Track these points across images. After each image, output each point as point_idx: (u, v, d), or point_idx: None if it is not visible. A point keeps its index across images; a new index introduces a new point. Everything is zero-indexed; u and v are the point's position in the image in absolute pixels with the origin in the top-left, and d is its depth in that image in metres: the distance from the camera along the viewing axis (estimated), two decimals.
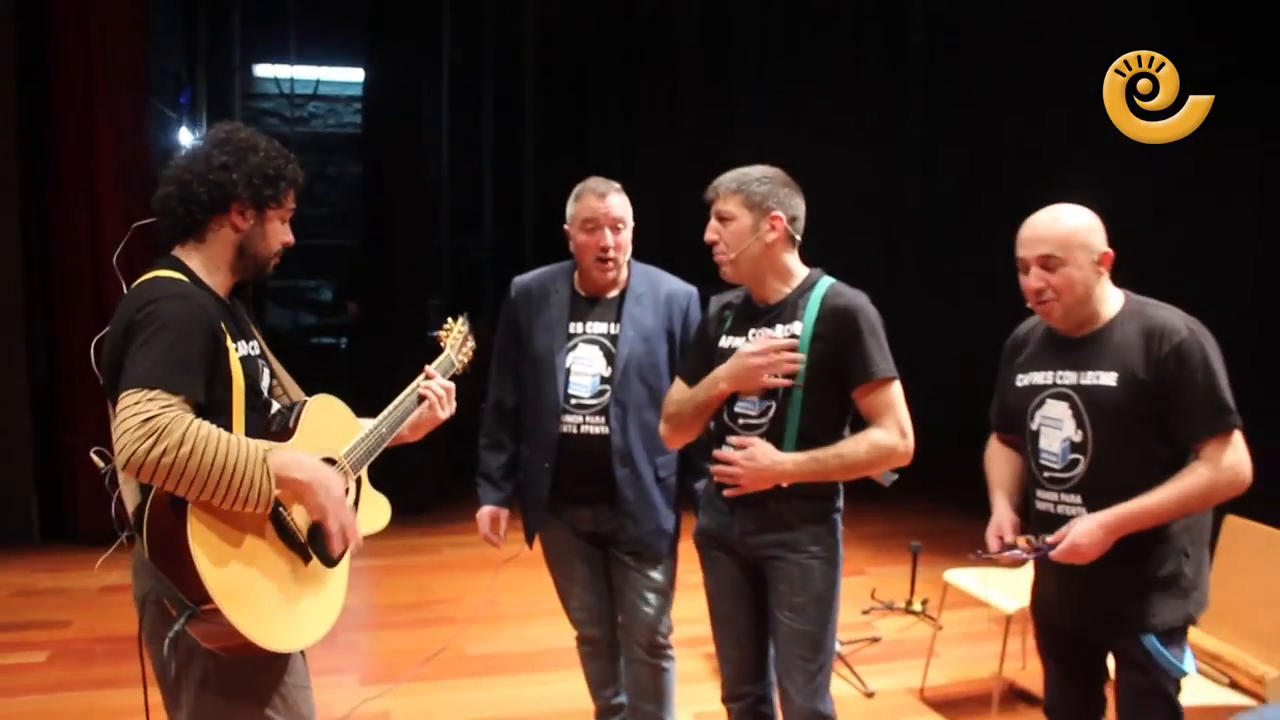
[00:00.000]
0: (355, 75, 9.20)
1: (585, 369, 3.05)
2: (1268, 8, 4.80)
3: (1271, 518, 3.31)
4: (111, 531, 2.37)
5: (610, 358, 3.02)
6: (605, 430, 3.00)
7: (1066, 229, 2.43)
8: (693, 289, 3.16)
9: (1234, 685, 3.13)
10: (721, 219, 2.63)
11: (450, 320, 2.77)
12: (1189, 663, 2.46)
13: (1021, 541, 2.49)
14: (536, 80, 9.31)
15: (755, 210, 2.61)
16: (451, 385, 2.53)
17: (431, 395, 2.46)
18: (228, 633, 1.89)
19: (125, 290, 2.08)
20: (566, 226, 3.06)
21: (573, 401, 3.04)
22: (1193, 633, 3.22)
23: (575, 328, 3.09)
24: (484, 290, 10.33)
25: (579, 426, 3.03)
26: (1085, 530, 2.34)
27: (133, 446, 1.76)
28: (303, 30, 9.01)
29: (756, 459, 2.56)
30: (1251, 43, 4.90)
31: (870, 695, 4.13)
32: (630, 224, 3.04)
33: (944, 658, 4.40)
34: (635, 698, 3.26)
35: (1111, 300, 2.49)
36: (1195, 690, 3.12)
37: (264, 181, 2.13)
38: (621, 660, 3.29)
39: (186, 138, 8.89)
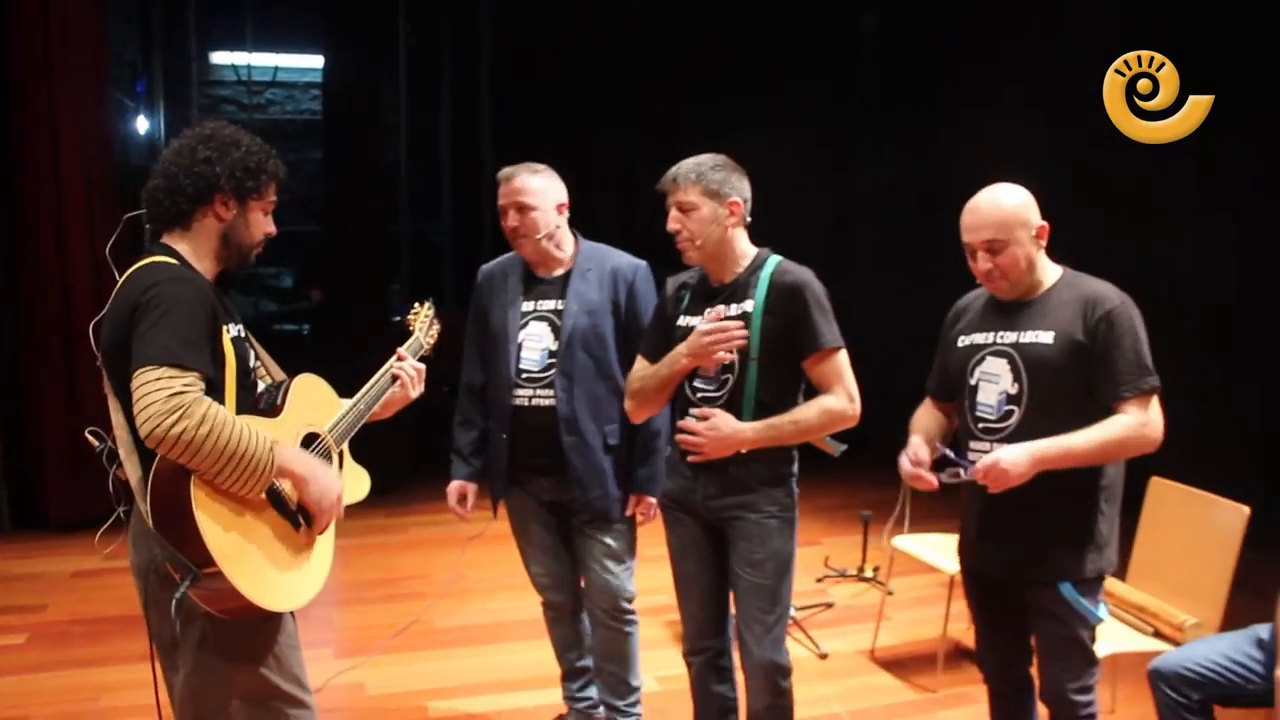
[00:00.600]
0: (313, 62, 9.22)
1: (535, 344, 3.20)
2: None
3: (1189, 479, 3.53)
4: (82, 517, 2.49)
5: (557, 332, 3.18)
6: (553, 401, 3.15)
7: (1005, 211, 2.60)
8: (640, 263, 3.29)
9: (1158, 634, 3.33)
10: (683, 209, 2.78)
11: (417, 305, 2.92)
12: (1103, 611, 2.66)
13: (949, 453, 2.65)
14: (492, 65, 9.39)
15: (714, 198, 2.77)
16: (422, 367, 2.66)
17: (404, 375, 2.59)
18: (228, 593, 2.02)
19: (117, 277, 2.20)
20: None
21: (524, 375, 3.20)
22: (1119, 586, 3.48)
23: (527, 305, 3.25)
24: (443, 274, 10.43)
25: (530, 399, 3.19)
26: (1013, 453, 2.48)
27: (157, 420, 1.89)
28: (259, 17, 9.04)
29: (719, 428, 2.72)
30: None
31: (824, 657, 4.33)
32: (544, 204, 3.15)
33: (894, 621, 4.62)
34: (600, 659, 3.42)
35: (1049, 270, 2.68)
36: (1122, 639, 3.35)
37: (246, 174, 2.26)
38: (586, 624, 3.46)
39: (144, 126, 8.90)
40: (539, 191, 3.15)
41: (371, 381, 2.56)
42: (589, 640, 3.48)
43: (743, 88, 7.69)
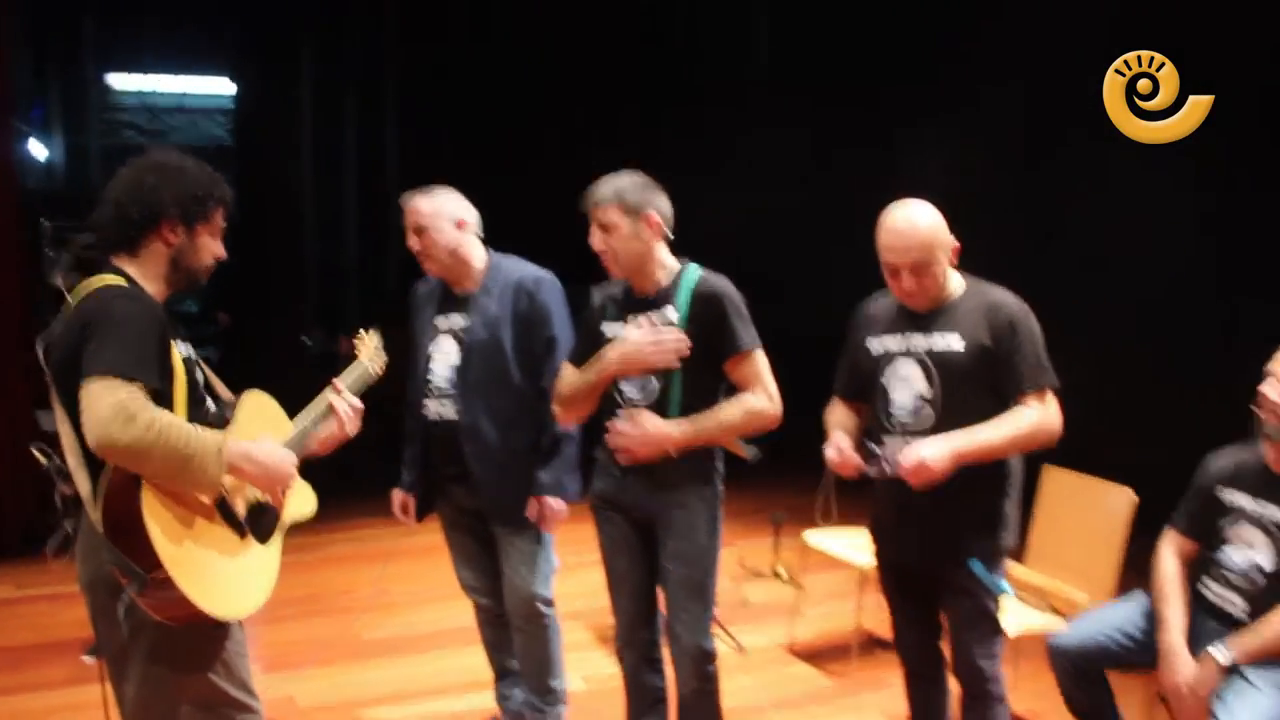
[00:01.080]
0: (217, 87, 9.18)
1: (444, 359, 3.30)
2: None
3: (1081, 467, 3.79)
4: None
5: (463, 348, 3.28)
6: (456, 415, 3.26)
7: (927, 234, 2.76)
8: (544, 274, 3.36)
9: (1055, 611, 3.57)
10: (604, 228, 2.90)
11: (363, 332, 2.98)
12: (1006, 584, 2.87)
13: (875, 448, 2.81)
14: (398, 88, 9.45)
15: (632, 215, 2.90)
16: (359, 405, 2.64)
17: (340, 411, 2.55)
18: (176, 601, 2.07)
19: (68, 298, 2.23)
20: None
21: (433, 389, 3.30)
22: (1018, 569, 3.70)
23: (440, 322, 3.35)
24: (349, 298, 10.41)
25: (438, 413, 3.30)
26: (934, 449, 2.63)
27: (105, 427, 1.94)
28: (161, 41, 8.94)
29: (646, 429, 2.86)
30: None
31: (743, 651, 4.50)
32: (440, 222, 3.23)
33: (808, 616, 4.79)
34: (521, 661, 3.50)
35: (955, 279, 2.88)
36: (1022, 617, 3.57)
37: (192, 201, 2.31)
38: None
39: (41, 152, 8.74)
40: (433, 212, 3.24)
41: (309, 408, 2.55)
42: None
43: (655, 98, 7.83)
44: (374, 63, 9.39)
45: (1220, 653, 2.69)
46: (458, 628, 4.65)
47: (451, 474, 3.33)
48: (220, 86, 9.13)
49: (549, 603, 3.40)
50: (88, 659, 4.34)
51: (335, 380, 2.64)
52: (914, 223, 2.77)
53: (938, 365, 2.80)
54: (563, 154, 8.19)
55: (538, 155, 8.44)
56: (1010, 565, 3.78)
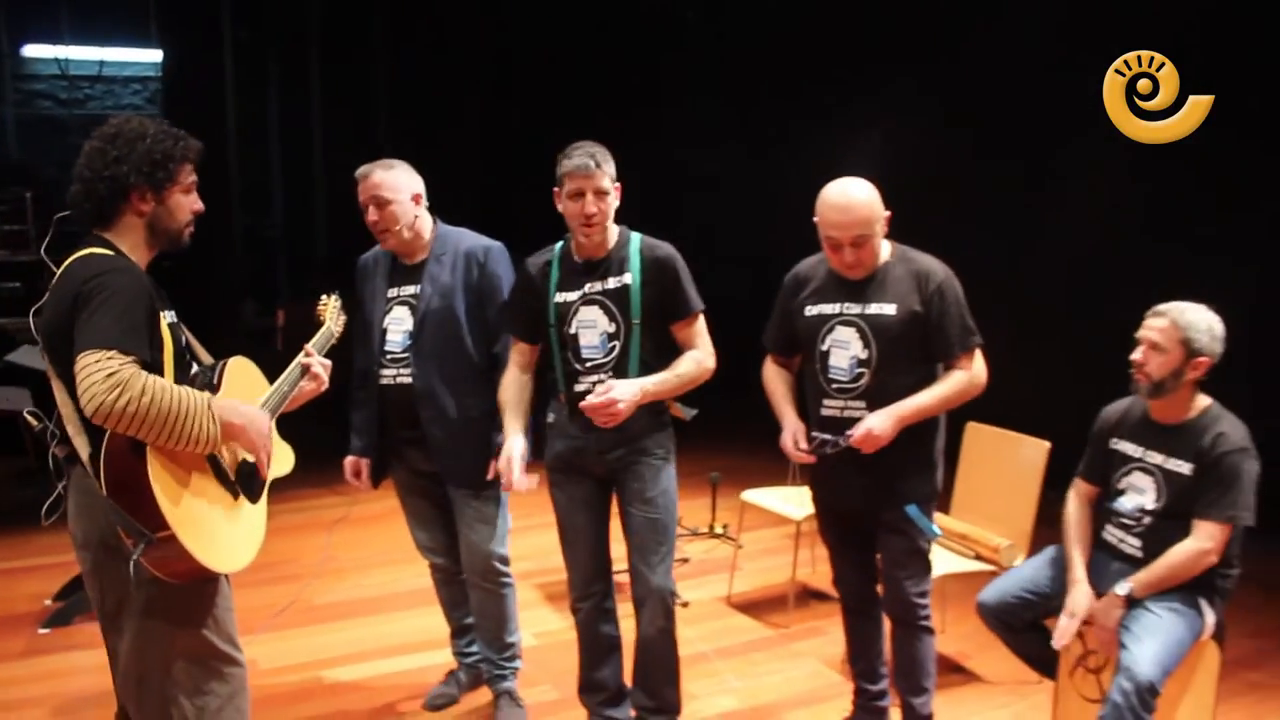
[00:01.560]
0: (136, 55, 9.03)
1: (398, 327, 3.41)
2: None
3: (1000, 422, 4.06)
4: None
5: (415, 315, 3.39)
6: (411, 379, 3.38)
7: (867, 208, 2.95)
8: (492, 243, 3.47)
9: (978, 556, 3.84)
10: (599, 194, 3.02)
11: (325, 296, 3.09)
12: (937, 528, 3.14)
13: (826, 437, 3.05)
14: (322, 59, 9.40)
15: (614, 184, 3.07)
16: (328, 363, 2.79)
17: (315, 368, 2.71)
18: (177, 556, 2.17)
19: (55, 270, 2.31)
20: None
21: (388, 356, 3.41)
22: (944, 519, 3.96)
23: (392, 292, 3.45)
24: (276, 268, 10.36)
25: (395, 378, 3.40)
26: (880, 420, 2.93)
27: (101, 397, 2.03)
28: (78, 9, 8.76)
29: (623, 394, 2.96)
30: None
31: (685, 605, 4.70)
32: (399, 196, 3.30)
33: (745, 570, 5.03)
34: (477, 617, 3.64)
35: (885, 248, 3.08)
36: (948, 561, 3.84)
37: (154, 166, 2.36)
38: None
39: None
40: (394, 185, 3.31)
41: (286, 373, 2.69)
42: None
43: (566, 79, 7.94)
44: (298, 30, 9.33)
45: (1122, 587, 2.96)
46: (406, 591, 4.83)
47: (407, 438, 3.44)
48: (139, 55, 8.97)
49: (506, 561, 3.54)
50: (44, 630, 4.41)
51: (307, 345, 2.78)
52: (855, 198, 2.95)
53: (873, 329, 3.01)
54: (485, 120, 8.26)
55: (459, 123, 8.49)
56: (937, 515, 4.06)
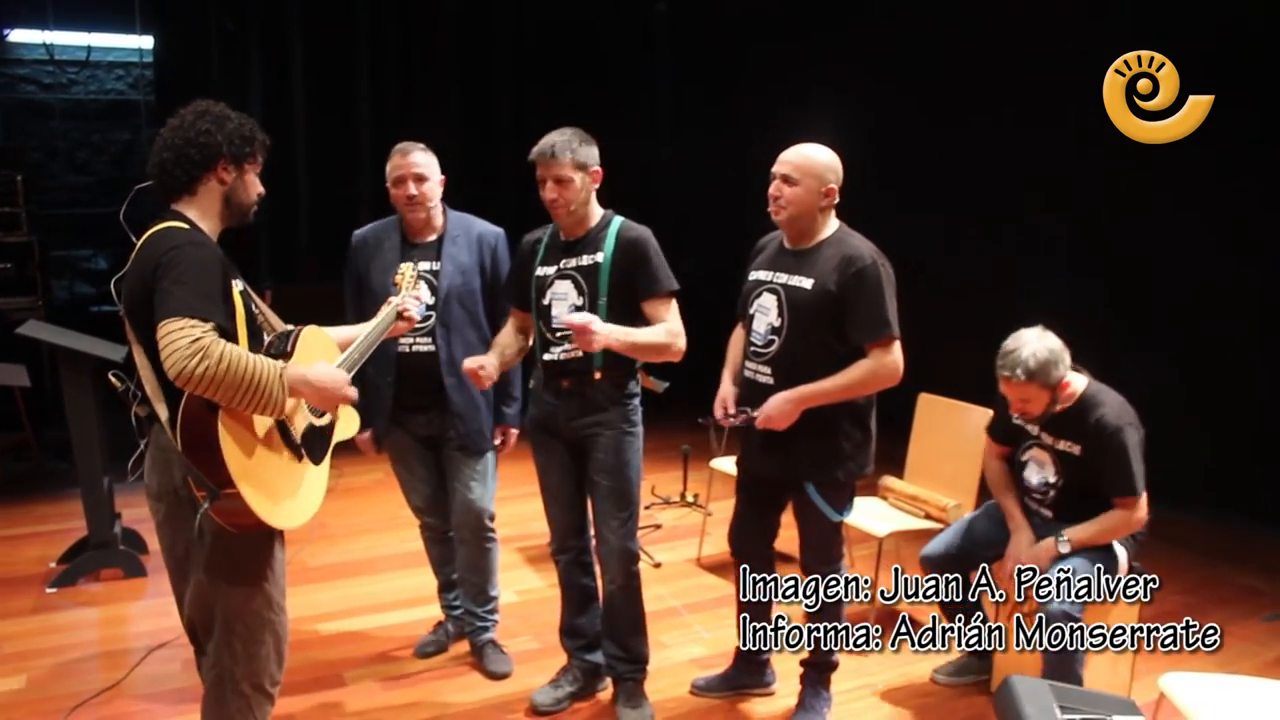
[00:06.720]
0: (122, 41, 9.16)
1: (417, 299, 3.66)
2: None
3: (949, 393, 4.36)
4: None
5: (434, 289, 3.64)
6: (433, 348, 3.63)
7: (806, 159, 3.17)
8: (499, 230, 3.79)
9: (928, 516, 4.13)
10: (559, 181, 3.24)
11: (403, 266, 3.37)
12: (845, 513, 3.32)
13: (732, 410, 3.31)
14: (305, 46, 9.53)
15: (582, 170, 3.28)
16: (421, 298, 3.26)
17: (411, 307, 3.16)
18: (241, 511, 2.35)
19: (134, 241, 2.49)
20: (387, 184, 3.68)
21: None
22: (898, 483, 4.26)
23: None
24: (259, 253, 10.50)
25: (411, 346, 3.65)
26: (776, 403, 3.13)
27: (183, 363, 2.19)
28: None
29: (600, 326, 3.10)
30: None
31: (658, 565, 5.00)
32: (434, 176, 3.63)
33: (714, 535, 5.29)
34: (464, 572, 3.90)
35: (830, 225, 3.26)
36: (899, 521, 4.14)
37: (242, 141, 2.58)
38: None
39: None
40: (431, 166, 3.62)
41: (372, 324, 2.99)
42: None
43: (543, 74, 8.11)
44: (278, 16, 9.46)
45: (1062, 543, 3.28)
46: (394, 554, 5.11)
47: (417, 404, 3.69)
48: (125, 41, 9.10)
49: (493, 518, 3.82)
50: (51, 590, 4.65)
51: (390, 297, 3.21)
52: (809, 148, 3.19)
53: (789, 300, 3.18)
54: (469, 103, 8.43)
55: (443, 103, 8.66)
56: (888, 479, 4.37)
